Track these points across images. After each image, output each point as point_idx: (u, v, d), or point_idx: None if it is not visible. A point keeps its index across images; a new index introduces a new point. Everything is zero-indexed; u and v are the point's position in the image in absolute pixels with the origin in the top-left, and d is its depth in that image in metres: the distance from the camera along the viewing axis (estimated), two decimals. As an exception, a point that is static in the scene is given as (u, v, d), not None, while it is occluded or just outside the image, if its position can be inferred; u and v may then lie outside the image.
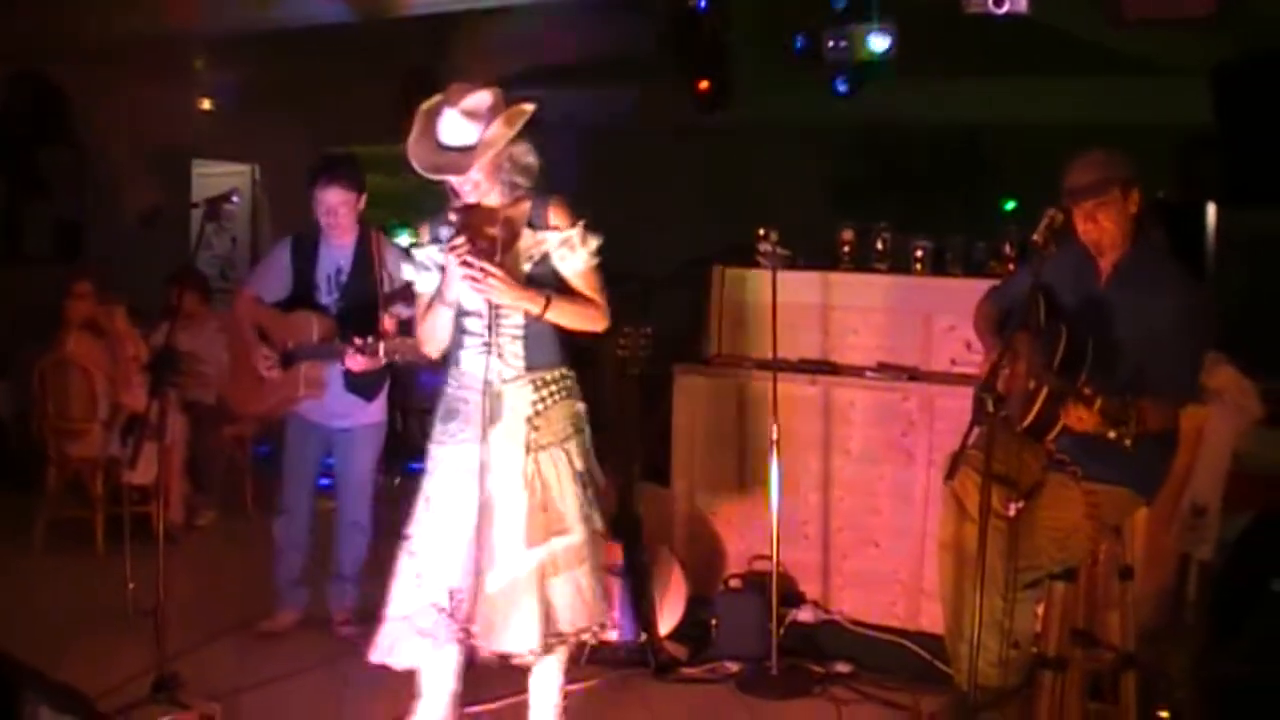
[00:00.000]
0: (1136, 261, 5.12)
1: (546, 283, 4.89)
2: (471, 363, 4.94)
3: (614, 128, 13.98)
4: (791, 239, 6.90)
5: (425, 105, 4.91)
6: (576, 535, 4.92)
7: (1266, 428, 6.71)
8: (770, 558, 6.53)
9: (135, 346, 8.80)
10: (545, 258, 4.91)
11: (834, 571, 7.00)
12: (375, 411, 6.79)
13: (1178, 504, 6.14)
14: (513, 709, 5.61)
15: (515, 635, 4.83)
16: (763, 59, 12.11)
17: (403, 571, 5.00)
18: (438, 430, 5.03)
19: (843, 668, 6.45)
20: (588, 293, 4.97)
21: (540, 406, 4.93)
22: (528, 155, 4.92)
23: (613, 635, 5.58)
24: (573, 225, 4.93)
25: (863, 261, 7.19)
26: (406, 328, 6.35)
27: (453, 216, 4.92)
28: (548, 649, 4.88)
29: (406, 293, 6.47)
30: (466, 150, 4.76)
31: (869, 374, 6.96)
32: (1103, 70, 11.78)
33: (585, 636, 5.02)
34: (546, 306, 4.83)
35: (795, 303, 6.98)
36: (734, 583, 6.95)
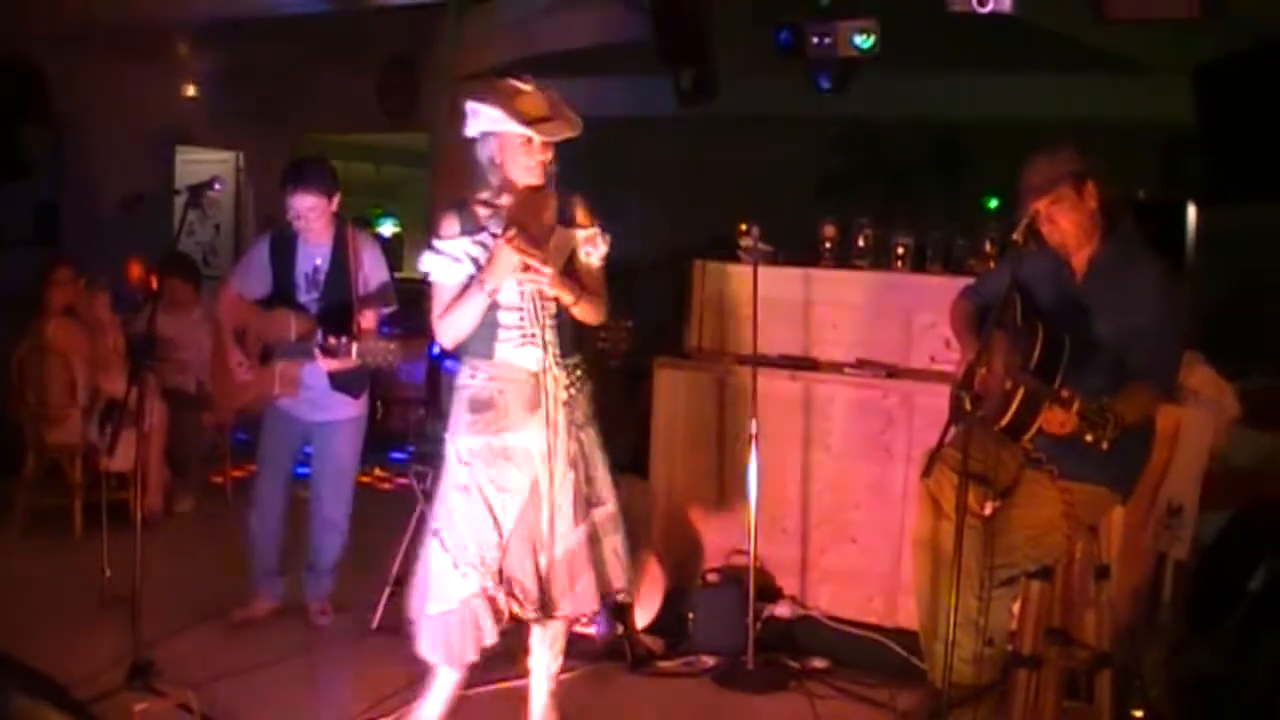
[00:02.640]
0: (1109, 257, 5.12)
1: (569, 275, 5.09)
2: (509, 354, 5.05)
3: (596, 119, 13.98)
4: (773, 233, 6.90)
5: (494, 84, 5.07)
6: (611, 505, 5.21)
7: (1243, 427, 6.74)
8: (748, 552, 6.53)
9: (114, 334, 8.79)
10: (572, 253, 5.13)
11: (812, 567, 7.01)
12: (356, 405, 6.77)
13: (1154, 503, 6.16)
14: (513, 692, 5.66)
15: (577, 601, 5.13)
16: (746, 52, 12.10)
17: (437, 566, 5.07)
18: (467, 421, 5.08)
19: (819, 663, 6.46)
20: (597, 288, 5.19)
21: (573, 390, 5.12)
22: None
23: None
24: (593, 224, 5.18)
25: (844, 257, 7.20)
26: (387, 324, 6.38)
27: (481, 211, 5.06)
28: (599, 609, 5.38)
29: (383, 293, 6.51)
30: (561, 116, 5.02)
31: (849, 370, 6.96)
32: (1085, 68, 11.83)
33: (622, 596, 5.31)
34: (578, 299, 5.04)
35: (776, 298, 6.98)
36: (711, 577, 6.94)
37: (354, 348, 6.07)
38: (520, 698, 5.53)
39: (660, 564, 6.66)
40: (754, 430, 6.51)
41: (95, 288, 8.90)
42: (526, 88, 4.99)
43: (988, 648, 5.07)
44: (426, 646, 5.10)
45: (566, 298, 5.00)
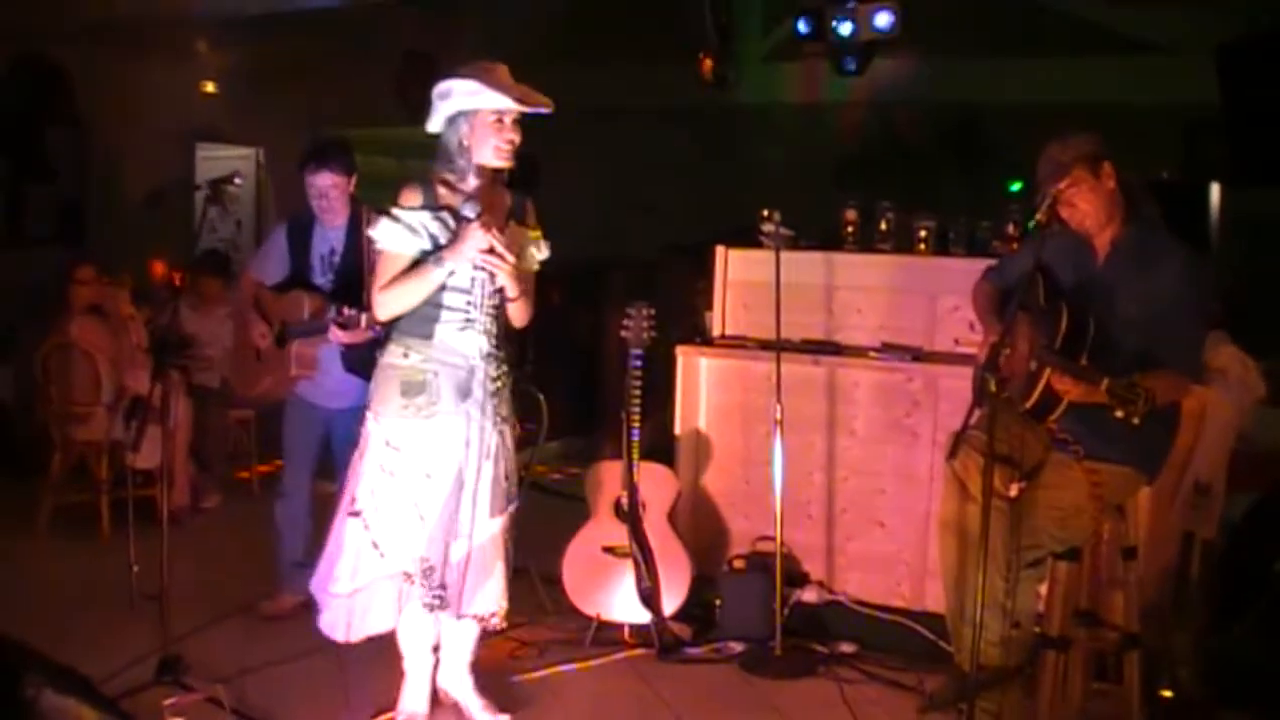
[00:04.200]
0: (1133, 238, 5.11)
1: None
2: (450, 337, 5.04)
3: (617, 107, 13.98)
4: (794, 219, 6.89)
5: (473, 66, 5.05)
6: (517, 502, 5.25)
7: (1270, 407, 6.72)
8: (774, 538, 6.53)
9: (137, 330, 8.81)
10: (521, 251, 5.13)
11: (838, 552, 7.00)
12: (374, 392, 6.79)
13: (1181, 483, 6.14)
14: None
15: (485, 598, 5.16)
16: (766, 38, 12.12)
17: (354, 545, 5.10)
18: (397, 404, 5.06)
19: (847, 648, 6.46)
20: (531, 292, 5.25)
21: (500, 384, 5.14)
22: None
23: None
24: (539, 228, 5.26)
25: (866, 242, 7.18)
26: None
27: (442, 190, 5.04)
28: (500, 613, 5.26)
29: None
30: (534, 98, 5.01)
31: (873, 354, 6.94)
32: (1107, 50, 11.78)
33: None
34: (520, 295, 5.09)
35: (799, 283, 6.97)
36: (738, 563, 6.94)
37: (364, 318, 6.06)
38: (546, 689, 5.55)
39: (686, 551, 6.65)
40: (779, 415, 6.51)
41: (116, 283, 8.92)
42: (501, 68, 5.02)
43: (1015, 630, 5.07)
44: (328, 623, 5.18)
45: (513, 290, 5.03)
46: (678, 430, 7.31)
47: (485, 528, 5.08)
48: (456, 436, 5.03)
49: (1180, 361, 4.88)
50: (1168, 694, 5.57)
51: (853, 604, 6.84)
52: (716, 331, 7.46)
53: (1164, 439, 5.19)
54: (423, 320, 5.04)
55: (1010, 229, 6.80)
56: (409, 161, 19.67)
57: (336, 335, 6.28)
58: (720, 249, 7.50)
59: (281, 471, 7.01)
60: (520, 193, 5.22)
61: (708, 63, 10.66)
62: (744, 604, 6.61)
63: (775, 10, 11.61)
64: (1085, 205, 5.06)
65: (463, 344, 5.04)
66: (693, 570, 6.65)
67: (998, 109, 13.35)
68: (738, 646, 6.48)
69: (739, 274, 7.41)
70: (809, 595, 6.86)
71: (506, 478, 5.14)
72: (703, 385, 7.34)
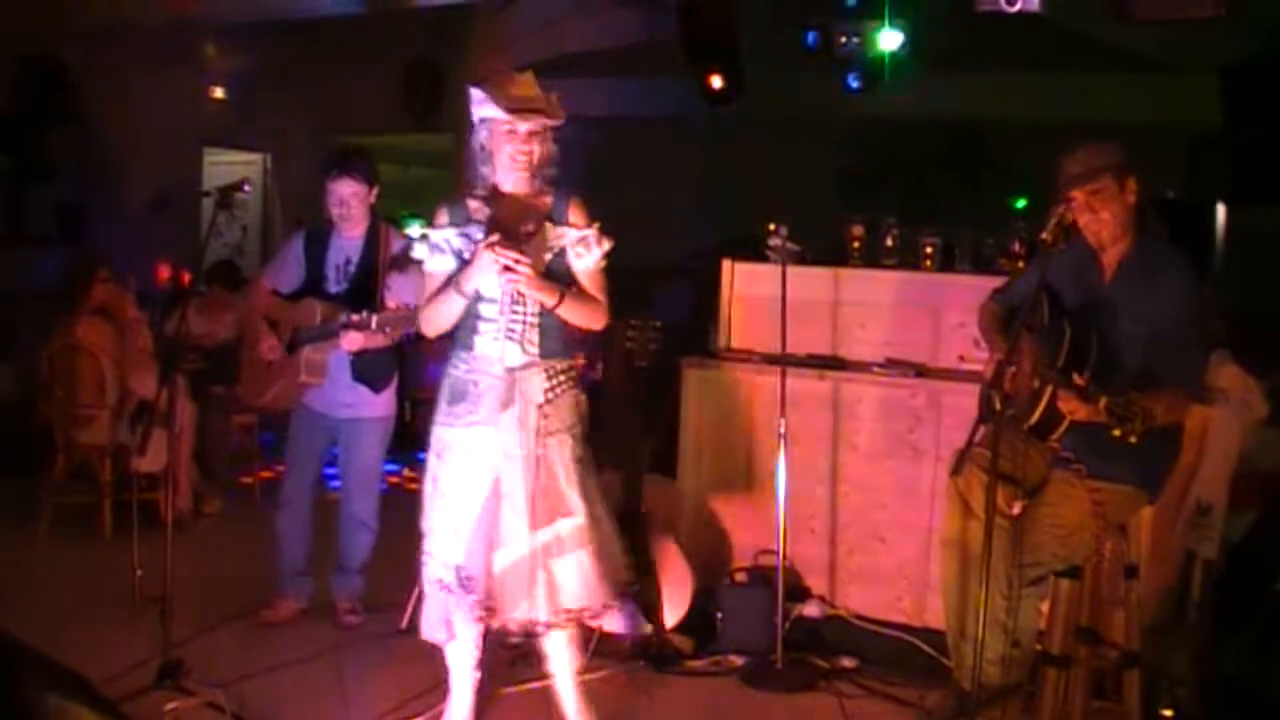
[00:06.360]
0: (1139, 257, 5.12)
1: (558, 276, 5.04)
2: (487, 347, 5.06)
3: (619, 119, 14.00)
4: (797, 233, 6.90)
5: (492, 72, 5.21)
6: (580, 517, 5.06)
7: (1272, 426, 6.72)
8: (776, 552, 6.53)
9: (142, 333, 8.82)
10: (561, 252, 5.07)
11: (840, 566, 7.01)
12: (382, 404, 6.79)
13: (1183, 502, 6.14)
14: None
15: (524, 608, 5.03)
16: (771, 51, 12.11)
17: (424, 547, 5.20)
18: (443, 412, 5.15)
19: (848, 663, 6.44)
20: (593, 291, 5.14)
21: (551, 395, 5.06)
22: (552, 144, 5.08)
23: (612, 623, 5.71)
24: (589, 225, 5.11)
25: (872, 257, 7.20)
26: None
27: (472, 204, 5.10)
28: (556, 624, 5.10)
29: (409, 316, 6.28)
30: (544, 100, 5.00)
31: (877, 369, 6.96)
32: (1112, 68, 11.81)
33: (588, 618, 5.20)
34: (560, 300, 4.98)
35: (804, 298, 6.98)
36: (740, 576, 6.95)
37: (374, 319, 6.06)
38: (545, 701, 5.54)
39: (688, 563, 6.65)
40: (782, 430, 6.51)
41: (122, 287, 8.94)
42: (521, 78, 5.03)
43: (1014, 649, 5.07)
44: (423, 624, 5.36)
45: (546, 300, 4.97)
46: (681, 443, 7.32)
47: (526, 540, 5.00)
48: (494, 447, 5.03)
49: (1180, 378, 4.88)
50: (1167, 713, 5.57)
51: (853, 619, 6.85)
52: (721, 345, 7.47)
53: (1166, 458, 5.20)
54: (467, 331, 5.09)
55: (1016, 246, 6.82)
56: (414, 169, 19.81)
57: (347, 340, 6.29)
58: (726, 263, 7.51)
59: (283, 479, 7.01)
60: (565, 189, 5.16)
61: (715, 75, 10.65)
62: (745, 617, 6.60)
63: (783, 21, 11.59)
64: (1107, 214, 5.05)
65: (500, 354, 5.03)
66: (694, 582, 6.65)
67: (1003, 125, 13.40)
68: (738, 659, 6.46)
69: (744, 288, 7.42)
70: (810, 609, 6.86)
71: (550, 492, 5.02)
72: (707, 399, 7.35)
